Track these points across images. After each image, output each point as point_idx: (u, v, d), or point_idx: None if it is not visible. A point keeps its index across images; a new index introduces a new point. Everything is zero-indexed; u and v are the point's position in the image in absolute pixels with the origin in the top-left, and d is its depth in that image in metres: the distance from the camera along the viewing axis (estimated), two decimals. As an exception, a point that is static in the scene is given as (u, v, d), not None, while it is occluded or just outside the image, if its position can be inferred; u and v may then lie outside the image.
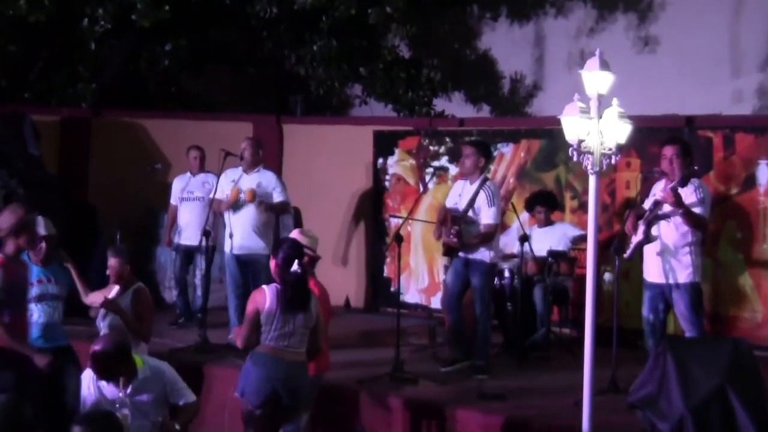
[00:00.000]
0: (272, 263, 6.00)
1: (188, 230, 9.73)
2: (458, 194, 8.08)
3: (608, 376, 6.94)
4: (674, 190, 6.78)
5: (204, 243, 9.01)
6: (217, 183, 8.96)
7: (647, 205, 7.16)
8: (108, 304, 6.66)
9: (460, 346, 8.06)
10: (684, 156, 7.09)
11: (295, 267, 5.83)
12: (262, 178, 8.89)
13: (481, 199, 7.83)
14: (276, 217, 9.11)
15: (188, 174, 10.03)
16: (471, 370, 7.84)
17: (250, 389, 5.83)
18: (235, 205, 8.75)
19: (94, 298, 6.79)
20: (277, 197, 8.88)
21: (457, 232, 7.80)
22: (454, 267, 8.08)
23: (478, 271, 7.89)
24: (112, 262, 6.84)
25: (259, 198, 8.68)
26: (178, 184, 10.04)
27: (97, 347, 5.70)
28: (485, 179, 7.96)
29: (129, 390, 5.74)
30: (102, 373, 5.71)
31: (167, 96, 13.68)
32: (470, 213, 7.87)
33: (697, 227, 7.01)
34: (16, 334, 6.33)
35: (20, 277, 6.47)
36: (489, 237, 7.87)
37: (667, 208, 6.96)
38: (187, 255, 9.87)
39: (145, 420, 5.73)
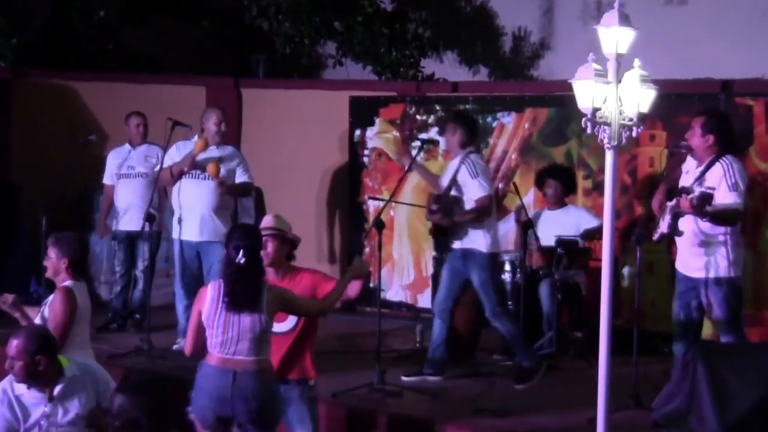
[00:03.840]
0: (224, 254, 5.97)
1: (130, 213, 9.63)
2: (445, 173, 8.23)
3: (628, 388, 6.94)
4: (692, 199, 6.70)
5: (147, 228, 8.96)
6: (163, 157, 8.91)
7: (685, 181, 7.08)
8: (11, 305, 6.57)
9: (434, 360, 8.09)
10: (715, 132, 7.03)
11: (239, 257, 5.79)
12: (224, 154, 8.87)
13: (463, 175, 7.95)
14: (234, 198, 9.09)
15: (127, 146, 9.95)
16: (514, 377, 7.93)
17: (198, 409, 5.82)
18: (197, 164, 8.70)
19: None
20: (240, 176, 8.89)
21: (439, 208, 7.91)
22: (450, 261, 8.18)
23: (475, 264, 7.97)
24: (49, 252, 6.72)
25: (223, 177, 8.65)
26: (114, 159, 9.93)
27: (16, 340, 5.64)
28: (467, 153, 8.03)
29: (56, 392, 5.73)
30: (24, 373, 5.66)
31: (104, 54, 13.60)
32: (453, 191, 7.98)
33: (731, 225, 7.00)
34: None
35: None
36: (485, 211, 7.92)
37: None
38: (131, 243, 9.77)
39: (75, 428, 5.72)
